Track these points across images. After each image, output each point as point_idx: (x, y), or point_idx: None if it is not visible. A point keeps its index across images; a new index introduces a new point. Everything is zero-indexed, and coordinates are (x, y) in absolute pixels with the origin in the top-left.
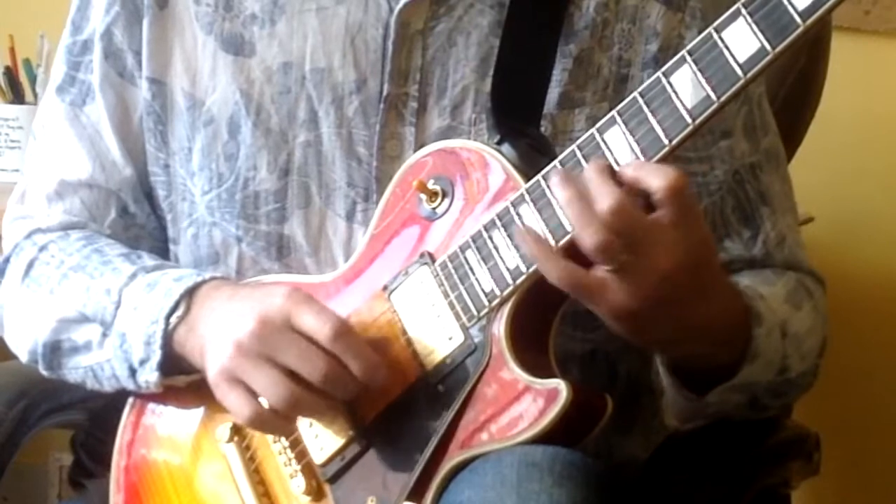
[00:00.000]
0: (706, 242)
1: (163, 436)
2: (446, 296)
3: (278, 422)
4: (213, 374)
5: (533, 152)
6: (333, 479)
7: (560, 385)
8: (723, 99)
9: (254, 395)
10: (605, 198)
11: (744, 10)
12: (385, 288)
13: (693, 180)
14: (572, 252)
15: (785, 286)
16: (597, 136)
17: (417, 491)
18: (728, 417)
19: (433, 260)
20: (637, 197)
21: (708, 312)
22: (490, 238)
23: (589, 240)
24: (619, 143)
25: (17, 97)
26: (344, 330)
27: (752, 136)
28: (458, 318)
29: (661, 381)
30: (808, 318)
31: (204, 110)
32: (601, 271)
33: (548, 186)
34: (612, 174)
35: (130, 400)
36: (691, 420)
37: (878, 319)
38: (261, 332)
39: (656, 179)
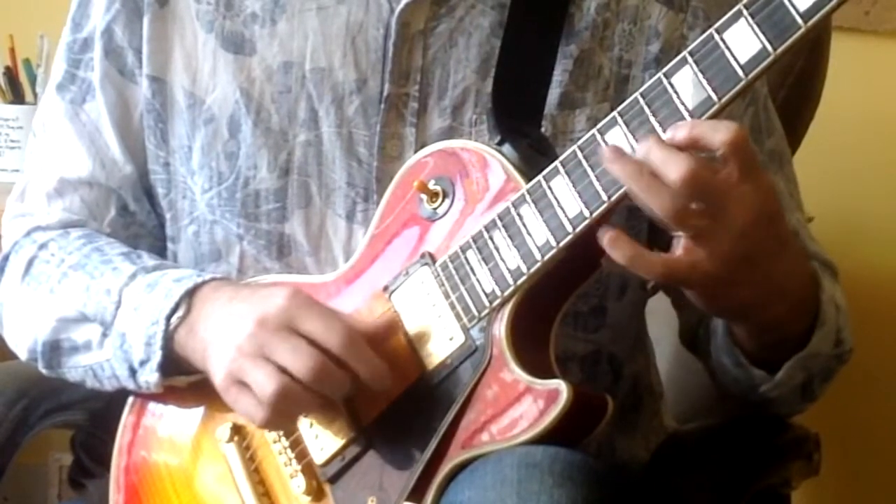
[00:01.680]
0: (773, 192)
1: (163, 436)
2: (447, 296)
3: (289, 425)
4: (219, 380)
5: (533, 153)
6: (334, 480)
7: (560, 386)
8: (724, 100)
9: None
10: (676, 167)
11: (745, 11)
12: (386, 288)
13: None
14: (581, 245)
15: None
16: (598, 136)
17: (417, 491)
18: (772, 410)
19: (434, 260)
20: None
21: (786, 270)
22: (491, 238)
23: (665, 211)
24: (620, 144)
25: (17, 97)
26: (352, 338)
27: (757, 138)
28: (458, 318)
29: (660, 384)
30: (844, 299)
31: (204, 109)
32: (685, 251)
33: (549, 187)
34: (666, 144)
35: (130, 400)
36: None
37: (879, 319)
38: (258, 332)
39: (717, 135)
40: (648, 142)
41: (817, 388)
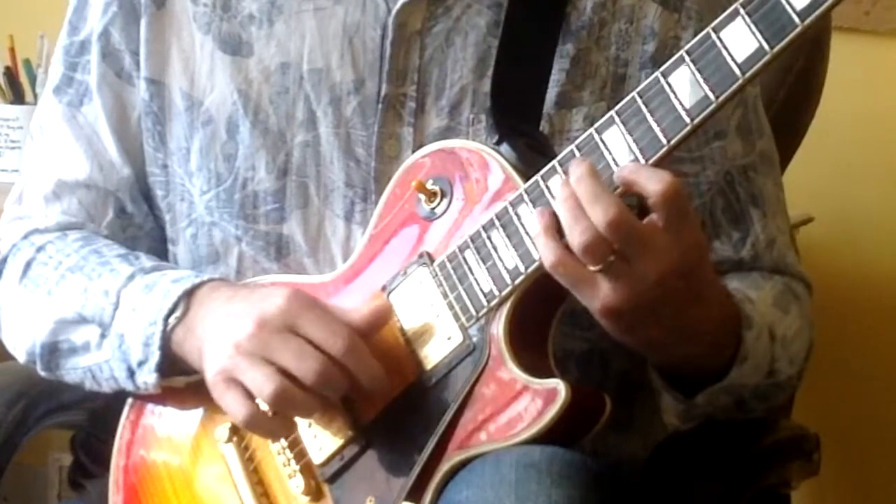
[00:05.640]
0: (699, 247)
1: (162, 436)
2: (445, 296)
3: (274, 424)
4: (210, 375)
5: (532, 152)
6: (332, 479)
7: (559, 385)
8: (721, 99)
9: (250, 396)
10: (602, 209)
11: (742, 10)
12: (384, 288)
13: (684, 180)
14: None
15: (772, 290)
16: (595, 135)
17: (416, 491)
18: (713, 418)
19: (432, 260)
20: (630, 197)
21: (699, 316)
22: (489, 238)
23: (578, 240)
24: (617, 143)
25: (17, 97)
26: (355, 344)
27: (747, 139)
28: (456, 318)
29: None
30: (796, 322)
31: (202, 110)
32: (592, 275)
33: (546, 187)
34: (600, 177)
35: (129, 400)
36: (687, 420)
37: (879, 319)
38: (259, 333)
39: (651, 184)
40: (580, 170)
41: (755, 406)
